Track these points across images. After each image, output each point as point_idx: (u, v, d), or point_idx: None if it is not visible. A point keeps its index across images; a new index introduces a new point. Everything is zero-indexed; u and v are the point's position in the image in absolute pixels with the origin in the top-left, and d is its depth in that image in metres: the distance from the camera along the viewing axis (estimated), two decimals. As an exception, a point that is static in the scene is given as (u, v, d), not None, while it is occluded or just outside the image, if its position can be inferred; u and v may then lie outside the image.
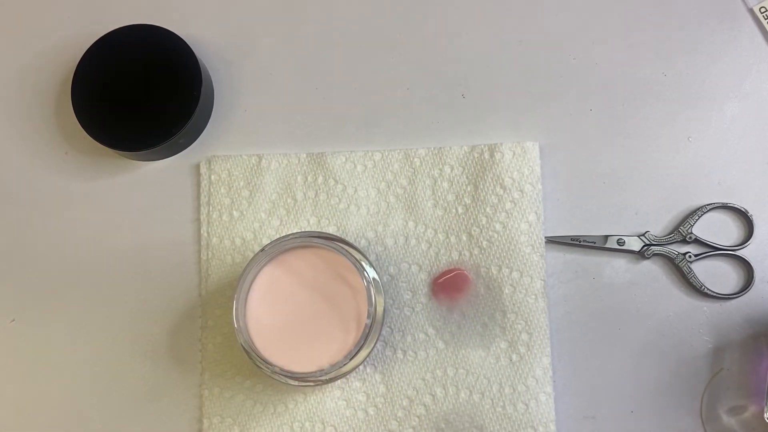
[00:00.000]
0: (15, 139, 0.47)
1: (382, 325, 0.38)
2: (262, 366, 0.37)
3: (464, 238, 0.43)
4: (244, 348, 0.37)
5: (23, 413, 0.44)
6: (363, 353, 0.37)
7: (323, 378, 0.37)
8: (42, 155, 0.47)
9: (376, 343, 0.38)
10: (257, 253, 0.38)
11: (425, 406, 0.41)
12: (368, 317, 0.37)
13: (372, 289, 0.37)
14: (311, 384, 0.37)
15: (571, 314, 0.42)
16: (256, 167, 0.44)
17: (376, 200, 0.44)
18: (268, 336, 0.38)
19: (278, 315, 0.38)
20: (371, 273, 0.38)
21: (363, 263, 0.38)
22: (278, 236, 0.43)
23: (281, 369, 0.37)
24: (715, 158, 0.44)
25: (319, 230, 0.43)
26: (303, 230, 0.43)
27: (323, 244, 0.38)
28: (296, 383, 0.37)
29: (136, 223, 0.45)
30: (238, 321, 0.37)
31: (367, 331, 0.37)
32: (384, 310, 0.38)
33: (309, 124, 0.46)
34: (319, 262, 0.38)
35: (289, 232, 0.43)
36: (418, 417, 0.41)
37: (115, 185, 0.46)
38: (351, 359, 0.37)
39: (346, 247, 0.38)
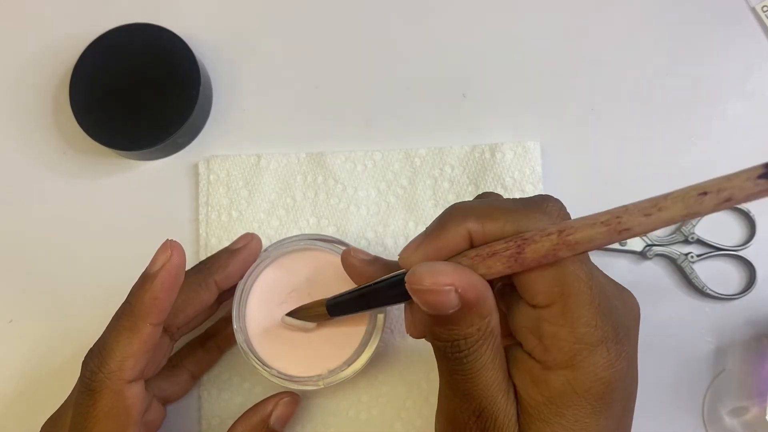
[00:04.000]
0: (13, 138, 0.47)
1: (383, 328, 0.37)
2: (260, 368, 0.37)
3: (465, 238, 0.42)
4: (242, 349, 0.37)
5: (22, 413, 0.43)
6: (363, 359, 0.37)
7: (321, 383, 0.37)
8: (40, 154, 0.46)
9: (376, 348, 0.37)
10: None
11: (430, 405, 0.41)
12: (368, 322, 0.37)
13: None
14: (310, 388, 0.37)
15: (572, 315, 0.42)
16: (255, 167, 0.44)
17: (376, 200, 0.44)
18: (267, 338, 0.38)
19: (278, 317, 0.38)
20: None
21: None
22: (277, 237, 0.42)
23: (279, 372, 0.37)
24: (718, 158, 0.43)
25: (319, 231, 0.43)
26: (303, 232, 0.43)
27: (324, 246, 0.38)
28: (295, 386, 0.37)
29: (134, 223, 0.45)
30: (237, 322, 0.37)
31: (369, 337, 0.37)
32: (385, 313, 0.38)
33: (309, 123, 0.45)
34: (319, 265, 0.38)
35: (289, 233, 0.43)
36: (422, 417, 0.41)
37: (113, 185, 0.46)
38: (350, 365, 0.36)
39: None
